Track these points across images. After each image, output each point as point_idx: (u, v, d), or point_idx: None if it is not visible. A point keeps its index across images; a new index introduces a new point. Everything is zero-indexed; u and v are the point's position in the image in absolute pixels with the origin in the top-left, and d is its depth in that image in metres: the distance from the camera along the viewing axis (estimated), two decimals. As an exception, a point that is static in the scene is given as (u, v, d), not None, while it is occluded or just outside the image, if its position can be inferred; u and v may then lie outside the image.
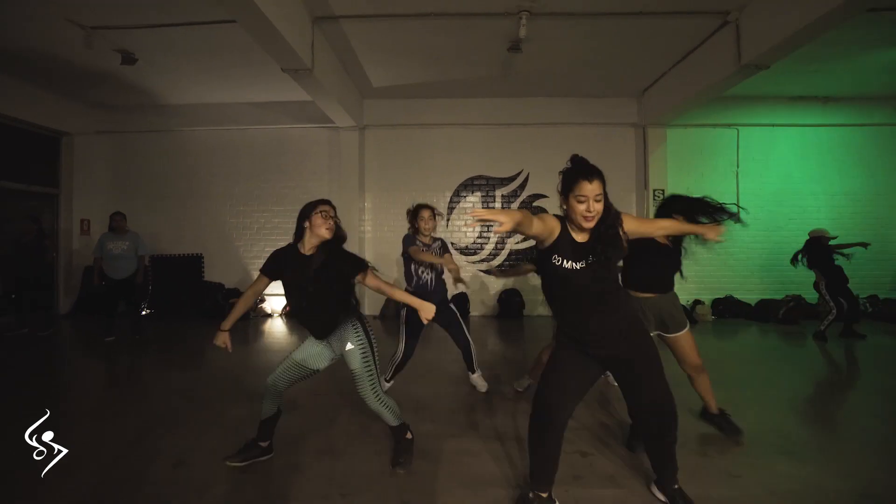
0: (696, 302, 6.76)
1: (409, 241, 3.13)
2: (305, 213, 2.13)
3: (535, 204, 7.06)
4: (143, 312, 6.76)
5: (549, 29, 4.75)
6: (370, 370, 2.17)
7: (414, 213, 3.20)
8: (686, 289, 6.90)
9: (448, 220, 7.15)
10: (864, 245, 5.44)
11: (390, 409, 2.24)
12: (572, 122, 6.99)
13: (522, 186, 7.09)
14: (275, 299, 7.10)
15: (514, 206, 7.09)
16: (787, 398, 3.29)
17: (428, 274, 3.15)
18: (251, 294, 2.20)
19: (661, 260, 2.49)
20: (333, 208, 2.18)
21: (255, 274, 2.38)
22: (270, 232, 7.23)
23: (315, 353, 2.21)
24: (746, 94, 6.66)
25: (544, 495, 1.84)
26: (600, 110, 6.96)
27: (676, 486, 1.89)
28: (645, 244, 2.38)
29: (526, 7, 4.34)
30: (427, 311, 2.06)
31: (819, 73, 6.06)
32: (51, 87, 6.34)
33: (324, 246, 2.12)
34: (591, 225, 1.71)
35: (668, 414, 1.80)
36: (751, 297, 6.87)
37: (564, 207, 1.78)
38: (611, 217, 1.74)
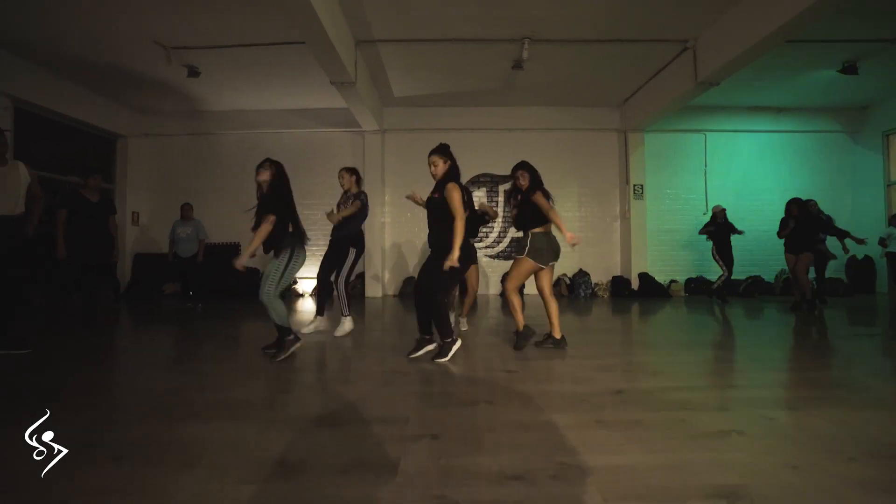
0: (672, 281, 7.86)
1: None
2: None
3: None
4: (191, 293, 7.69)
5: (545, 52, 5.85)
6: (270, 279, 3.14)
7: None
8: (663, 270, 8.03)
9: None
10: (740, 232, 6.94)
11: (277, 311, 3.12)
12: (564, 128, 8.12)
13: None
14: (304, 282, 8.06)
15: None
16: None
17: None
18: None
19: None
20: (271, 164, 3.39)
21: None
22: (301, 223, 8.18)
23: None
24: (712, 104, 7.86)
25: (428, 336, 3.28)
26: (588, 118, 8.09)
27: (449, 339, 3.19)
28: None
29: (528, 35, 5.44)
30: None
31: (770, 88, 7.27)
32: (112, 94, 7.28)
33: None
34: (437, 178, 3.18)
35: (427, 297, 3.15)
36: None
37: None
38: (449, 178, 3.14)
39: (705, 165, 8.21)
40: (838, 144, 8.22)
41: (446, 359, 3.14)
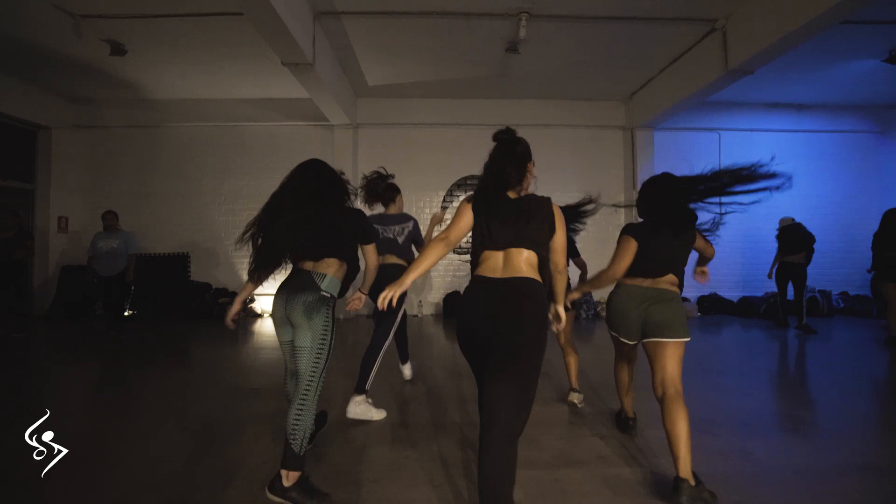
0: (683, 299, 6.98)
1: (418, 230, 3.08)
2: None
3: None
4: (126, 314, 6.56)
5: (546, 31, 4.87)
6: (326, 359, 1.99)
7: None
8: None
9: (442, 219, 7.19)
10: None
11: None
12: (563, 125, 7.17)
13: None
14: (265, 299, 6.97)
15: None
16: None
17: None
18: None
19: None
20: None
21: (245, 273, 1.97)
22: (260, 230, 7.09)
23: None
24: (727, 100, 6.99)
25: None
26: (590, 113, 7.15)
27: None
28: None
29: (526, 8, 4.45)
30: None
31: (795, 81, 6.40)
32: (28, 77, 6.08)
33: None
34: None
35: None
36: (733, 294, 7.16)
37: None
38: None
39: (719, 167, 7.32)
40: (865, 145, 7.43)
41: None
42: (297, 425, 1.73)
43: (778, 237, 6.01)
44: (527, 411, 1.58)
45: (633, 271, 2.14)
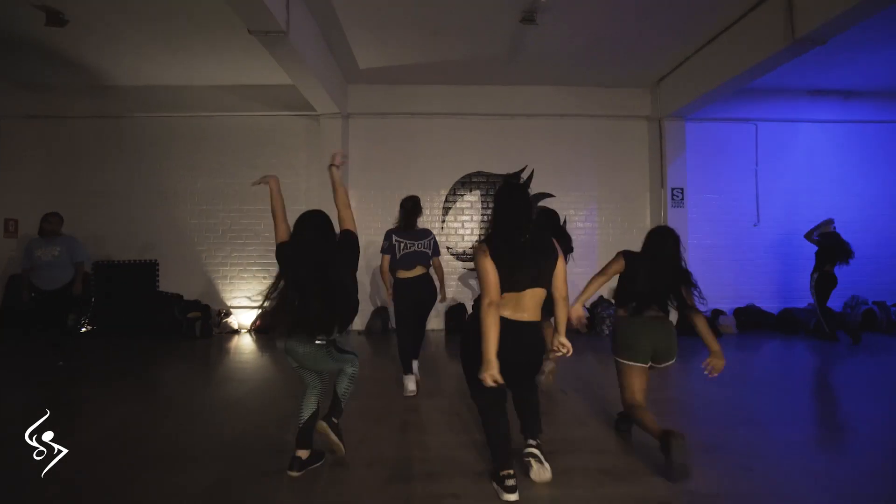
0: (719, 312, 6.14)
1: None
2: None
3: (540, 204, 6.35)
4: (83, 329, 5.76)
5: (569, -3, 4.05)
6: None
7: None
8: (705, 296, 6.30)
9: (443, 220, 6.37)
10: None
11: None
12: (580, 114, 6.35)
13: (527, 184, 6.36)
14: (241, 313, 6.14)
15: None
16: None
17: None
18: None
19: None
20: None
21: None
22: (238, 234, 6.27)
23: None
24: (765, 86, 6.15)
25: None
26: (610, 101, 6.33)
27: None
28: None
29: (549, -36, 3.63)
30: None
31: (844, 62, 5.56)
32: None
33: None
34: None
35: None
36: (771, 306, 6.34)
37: None
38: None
39: (756, 164, 6.52)
40: (922, 137, 6.61)
41: None
42: (349, 389, 2.25)
43: (821, 243, 5.38)
44: None
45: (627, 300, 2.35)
